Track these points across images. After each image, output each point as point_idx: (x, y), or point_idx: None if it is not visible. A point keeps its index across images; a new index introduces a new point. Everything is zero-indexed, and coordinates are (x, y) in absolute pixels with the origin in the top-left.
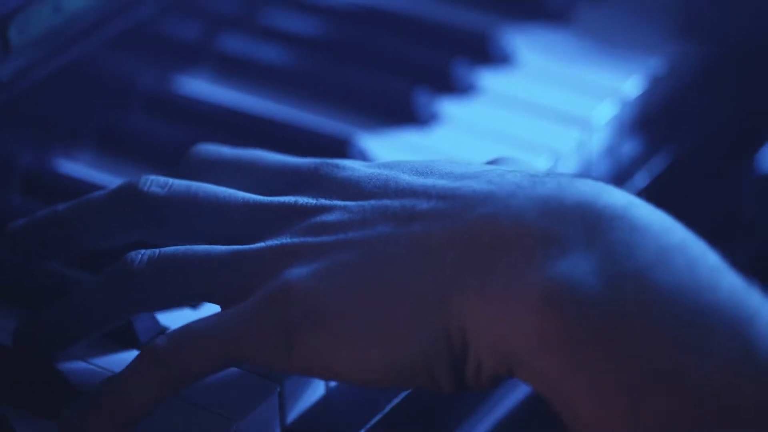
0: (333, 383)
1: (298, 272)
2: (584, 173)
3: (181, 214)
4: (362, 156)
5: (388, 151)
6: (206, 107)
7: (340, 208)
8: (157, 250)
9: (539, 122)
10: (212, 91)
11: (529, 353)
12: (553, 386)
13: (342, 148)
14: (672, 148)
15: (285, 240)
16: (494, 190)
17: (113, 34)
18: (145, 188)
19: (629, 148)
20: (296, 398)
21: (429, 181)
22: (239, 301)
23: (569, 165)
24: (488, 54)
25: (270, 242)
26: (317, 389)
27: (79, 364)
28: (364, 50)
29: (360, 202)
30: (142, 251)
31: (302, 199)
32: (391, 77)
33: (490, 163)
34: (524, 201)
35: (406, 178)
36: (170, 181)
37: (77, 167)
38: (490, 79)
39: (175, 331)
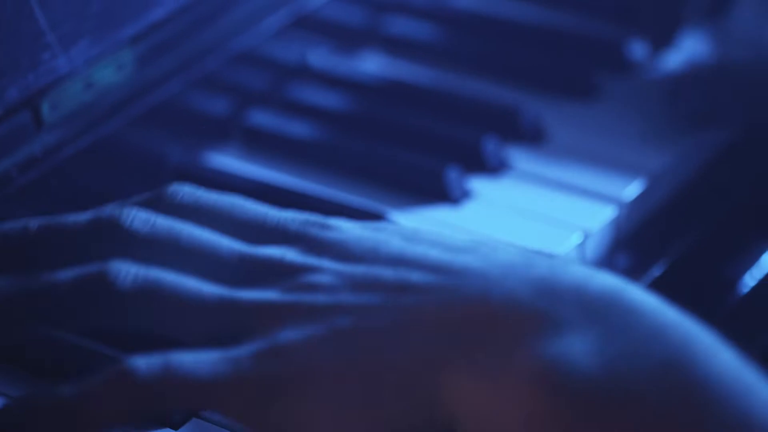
0: None
1: (292, 335)
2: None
3: (161, 254)
4: None
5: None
6: (235, 181)
7: (330, 270)
8: (143, 272)
9: (570, 200)
10: (241, 166)
11: None
12: None
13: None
14: (695, 228)
15: (276, 297)
16: (487, 268)
17: (143, 110)
18: (127, 224)
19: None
20: None
21: (420, 250)
22: (216, 347)
23: (600, 242)
24: (519, 130)
25: (261, 295)
26: None
27: None
28: (394, 125)
29: (351, 265)
30: (127, 266)
31: (290, 254)
32: (421, 154)
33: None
34: (517, 282)
35: (397, 244)
36: (153, 218)
37: None
38: (520, 156)
39: (156, 359)
